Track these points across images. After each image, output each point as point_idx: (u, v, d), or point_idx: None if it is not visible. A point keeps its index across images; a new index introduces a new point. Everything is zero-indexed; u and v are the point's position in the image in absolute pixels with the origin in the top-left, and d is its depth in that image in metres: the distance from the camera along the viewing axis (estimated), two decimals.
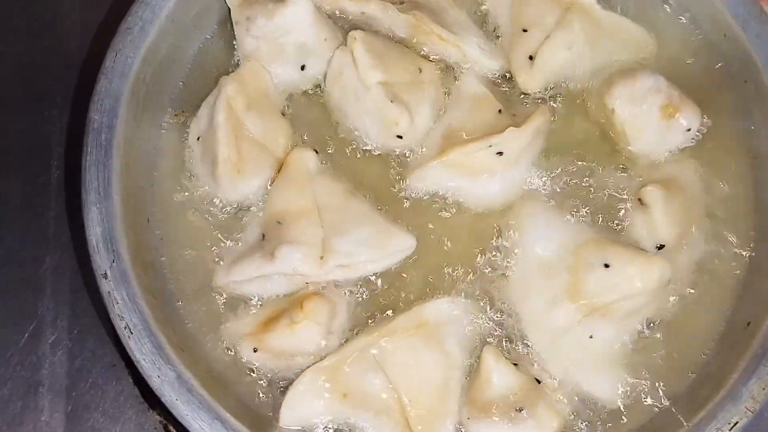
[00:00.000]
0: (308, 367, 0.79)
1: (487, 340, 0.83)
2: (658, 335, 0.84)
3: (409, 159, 0.90)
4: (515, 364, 0.81)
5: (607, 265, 0.82)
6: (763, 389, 0.76)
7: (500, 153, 0.87)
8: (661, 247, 0.86)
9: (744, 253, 0.87)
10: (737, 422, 0.75)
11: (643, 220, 0.87)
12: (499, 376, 0.79)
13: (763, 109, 0.89)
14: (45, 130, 1.02)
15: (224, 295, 0.84)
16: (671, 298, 0.85)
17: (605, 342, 0.82)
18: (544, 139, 0.90)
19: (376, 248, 0.84)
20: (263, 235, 0.84)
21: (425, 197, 0.89)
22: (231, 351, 0.82)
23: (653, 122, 0.89)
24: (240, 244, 0.86)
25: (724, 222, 0.89)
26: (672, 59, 0.95)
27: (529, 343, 0.83)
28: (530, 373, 0.81)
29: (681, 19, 0.95)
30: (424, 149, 0.89)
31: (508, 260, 0.86)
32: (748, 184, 0.90)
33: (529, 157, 0.89)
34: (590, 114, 0.93)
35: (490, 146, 0.86)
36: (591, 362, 0.82)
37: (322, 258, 0.81)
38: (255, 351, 0.81)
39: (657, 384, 0.82)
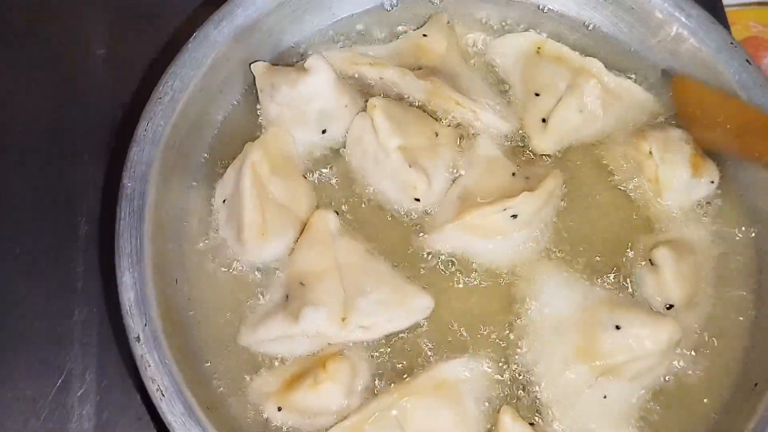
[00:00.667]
0: (331, 427, 0.81)
1: (505, 398, 0.85)
2: (667, 397, 0.86)
3: (425, 220, 0.93)
4: (532, 424, 0.83)
5: (618, 327, 0.84)
6: None
7: (515, 216, 0.90)
8: (670, 307, 0.89)
9: (751, 313, 0.90)
10: None
11: (654, 280, 0.89)
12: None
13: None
14: (73, 186, 1.05)
15: (249, 354, 0.87)
16: (679, 360, 0.87)
17: (619, 401, 0.84)
18: (559, 199, 0.94)
19: (396, 308, 0.86)
20: (287, 296, 0.87)
21: (442, 257, 0.91)
22: (256, 410, 0.84)
23: (685, 170, 0.92)
24: (264, 302, 0.89)
25: (729, 282, 0.92)
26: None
27: (546, 402, 0.85)
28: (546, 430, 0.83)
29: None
30: (440, 211, 0.92)
31: (520, 320, 0.88)
32: (750, 245, 0.93)
33: (543, 218, 0.92)
34: (611, 164, 0.96)
35: (505, 210, 0.89)
36: (606, 422, 0.84)
37: (344, 320, 0.84)
38: (279, 410, 0.83)
39: None
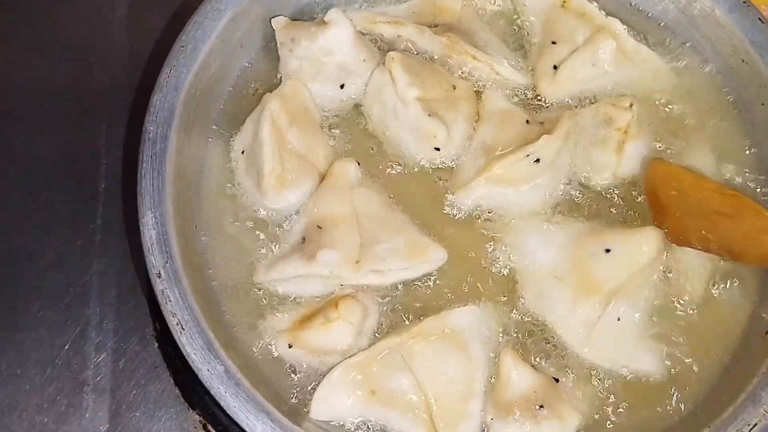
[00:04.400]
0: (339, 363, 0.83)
1: (511, 342, 0.87)
2: (681, 339, 0.88)
3: (447, 176, 0.94)
4: (533, 366, 0.85)
5: (608, 250, 0.86)
6: None
7: (537, 160, 0.91)
8: None
9: None
10: (756, 424, 0.78)
11: None
12: (518, 377, 0.83)
13: None
14: (92, 143, 1.06)
15: (264, 296, 0.88)
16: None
17: (633, 320, 0.86)
18: (574, 140, 0.95)
19: (409, 258, 0.88)
20: (303, 239, 0.89)
21: (467, 211, 0.93)
22: (269, 347, 0.86)
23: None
24: (280, 247, 0.90)
25: None
26: (688, 89, 1.00)
27: (561, 343, 0.87)
28: (548, 373, 0.85)
29: (700, 46, 1.01)
30: (464, 168, 0.94)
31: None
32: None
33: (562, 160, 0.94)
34: None
35: (528, 155, 0.90)
36: (628, 343, 0.86)
37: (357, 263, 0.85)
38: (290, 347, 0.84)
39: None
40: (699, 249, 0.89)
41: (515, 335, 0.87)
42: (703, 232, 0.88)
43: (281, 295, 0.88)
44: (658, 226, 0.89)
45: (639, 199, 0.94)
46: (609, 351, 0.86)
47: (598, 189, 0.94)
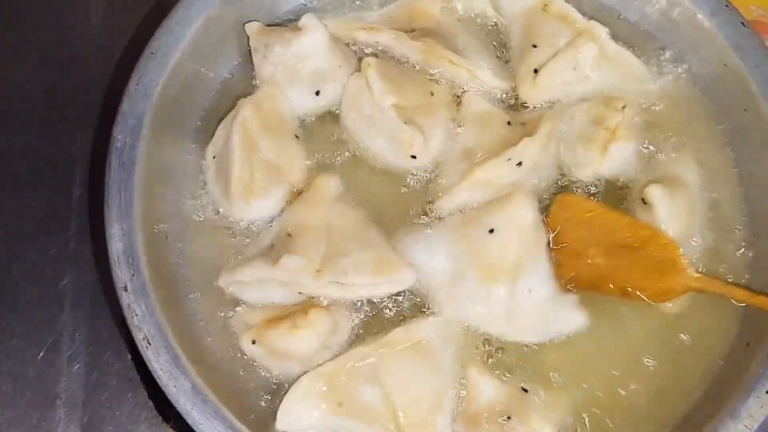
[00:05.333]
0: (304, 373, 0.81)
1: (485, 355, 0.86)
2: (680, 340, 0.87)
3: (421, 179, 0.93)
4: (504, 378, 0.84)
5: (491, 230, 0.86)
6: (761, 407, 0.77)
7: (519, 164, 0.89)
8: None
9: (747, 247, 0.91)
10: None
11: (648, 219, 0.89)
12: (485, 388, 0.82)
13: (761, 135, 0.92)
14: (67, 149, 1.05)
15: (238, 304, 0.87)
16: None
17: (544, 285, 0.86)
18: (557, 141, 0.93)
19: (373, 274, 0.85)
20: (272, 245, 0.87)
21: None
22: (242, 357, 0.85)
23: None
24: (248, 251, 0.89)
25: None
26: (670, 93, 0.98)
27: (501, 343, 0.86)
28: (517, 384, 0.84)
29: (683, 50, 0.99)
30: (447, 175, 0.92)
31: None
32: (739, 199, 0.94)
33: (544, 162, 0.92)
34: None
35: (509, 159, 0.89)
36: (547, 309, 0.86)
37: (319, 272, 0.84)
38: (253, 343, 0.83)
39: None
40: (596, 291, 0.87)
41: (486, 348, 0.86)
42: (603, 267, 0.87)
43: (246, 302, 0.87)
44: (558, 267, 0.87)
45: (617, 195, 0.93)
46: (535, 325, 0.85)
47: (580, 186, 0.93)
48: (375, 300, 0.87)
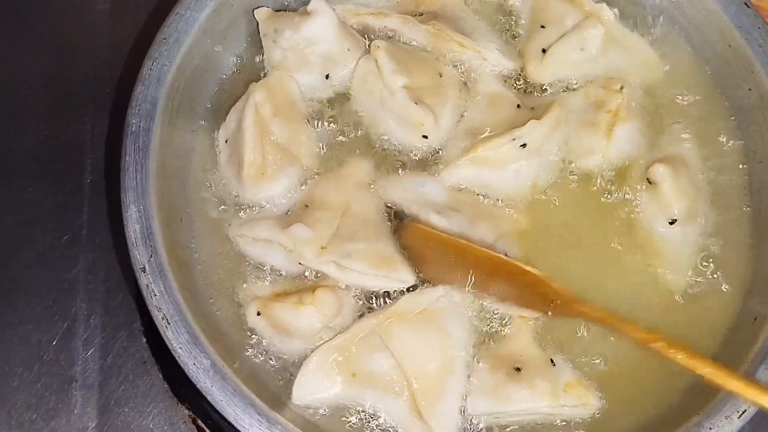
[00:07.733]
0: (306, 351, 0.83)
1: (476, 324, 0.87)
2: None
3: (434, 160, 0.94)
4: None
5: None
6: None
7: (523, 145, 0.90)
8: (673, 221, 0.90)
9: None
10: (745, 410, 0.78)
11: (654, 198, 0.90)
12: (521, 338, 0.85)
13: (765, 114, 0.93)
14: (77, 136, 1.06)
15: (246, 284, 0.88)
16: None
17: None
18: (565, 128, 0.94)
19: (373, 265, 0.86)
20: (288, 211, 0.89)
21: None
22: (253, 337, 0.86)
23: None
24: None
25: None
26: (675, 74, 0.99)
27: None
28: (548, 353, 0.85)
29: (687, 31, 1.00)
30: (450, 148, 0.93)
31: None
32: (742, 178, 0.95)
33: (551, 147, 0.93)
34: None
35: (514, 139, 0.90)
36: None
37: (323, 248, 0.85)
38: (258, 314, 0.84)
39: None
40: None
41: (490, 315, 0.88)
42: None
43: (244, 255, 0.89)
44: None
45: (628, 181, 0.93)
46: None
47: (587, 172, 0.94)
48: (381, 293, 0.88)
